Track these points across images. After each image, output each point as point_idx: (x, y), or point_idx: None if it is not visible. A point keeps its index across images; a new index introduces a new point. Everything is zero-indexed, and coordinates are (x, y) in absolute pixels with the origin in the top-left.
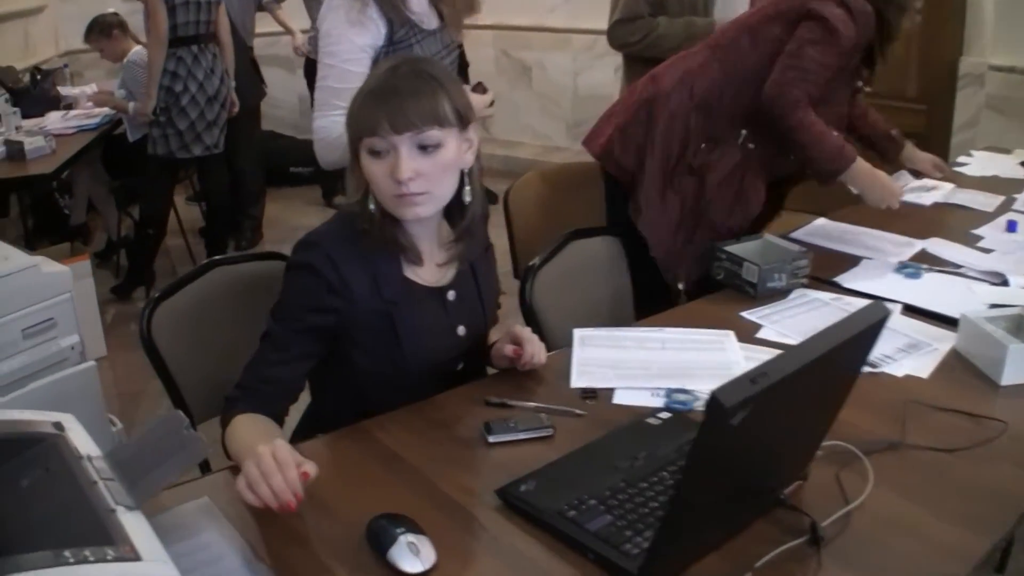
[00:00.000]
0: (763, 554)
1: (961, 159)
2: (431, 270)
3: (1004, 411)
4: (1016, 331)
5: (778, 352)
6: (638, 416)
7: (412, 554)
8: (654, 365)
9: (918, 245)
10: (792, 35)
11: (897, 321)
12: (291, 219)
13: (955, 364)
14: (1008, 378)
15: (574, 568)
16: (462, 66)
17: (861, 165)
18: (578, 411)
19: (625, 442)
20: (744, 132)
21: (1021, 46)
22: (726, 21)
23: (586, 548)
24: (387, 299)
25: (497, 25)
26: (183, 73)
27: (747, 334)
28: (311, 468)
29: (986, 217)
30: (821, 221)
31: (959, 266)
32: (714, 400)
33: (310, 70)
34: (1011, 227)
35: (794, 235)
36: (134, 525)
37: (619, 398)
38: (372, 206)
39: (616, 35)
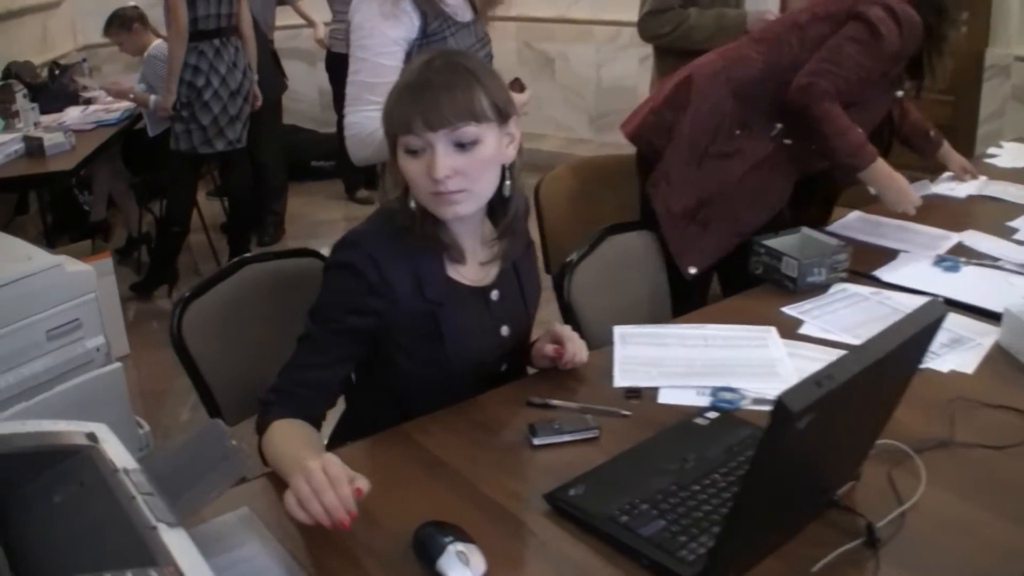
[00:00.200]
0: (819, 557)
1: (992, 150)
2: (474, 269)
3: None
4: None
5: (822, 348)
6: (684, 416)
7: (462, 564)
8: (697, 363)
9: (954, 238)
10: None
11: None
12: (313, 214)
13: (999, 359)
14: None
15: (627, 575)
16: None
17: (881, 166)
18: (623, 411)
19: (673, 443)
20: (780, 126)
21: None
22: (758, 12)
23: (640, 555)
24: (430, 300)
25: (520, 17)
26: (205, 67)
27: (789, 330)
28: (363, 483)
29: (1020, 209)
30: (856, 214)
31: (996, 259)
32: (781, 405)
33: (332, 63)
34: None
35: (830, 228)
36: (177, 543)
37: (664, 397)
38: (412, 204)
39: (647, 27)
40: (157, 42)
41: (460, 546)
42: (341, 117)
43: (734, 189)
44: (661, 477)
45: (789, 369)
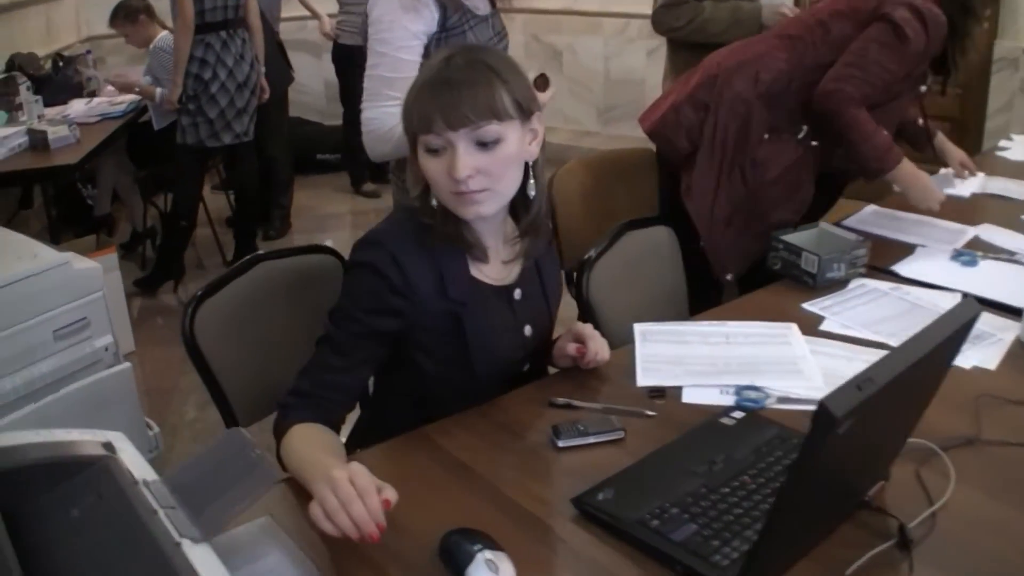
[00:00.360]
0: (852, 559)
1: (1003, 143)
2: (496, 268)
3: None
4: None
5: (844, 345)
6: (710, 416)
7: (491, 572)
8: (720, 360)
9: (971, 232)
10: (861, 34)
11: None
12: (320, 207)
13: (1020, 354)
14: None
15: None
16: None
17: (907, 166)
18: (648, 411)
19: (700, 444)
20: (805, 128)
21: None
22: (773, 6)
23: (673, 560)
24: (454, 299)
25: (528, 9)
26: (212, 60)
27: (810, 326)
28: (391, 494)
29: None
30: (871, 208)
31: (1013, 253)
32: (823, 410)
33: (338, 55)
34: None
35: (846, 223)
36: (203, 560)
37: (688, 396)
38: (434, 202)
39: (661, 20)
40: (163, 34)
41: (489, 554)
42: (347, 110)
43: (765, 193)
44: (690, 479)
45: (812, 367)
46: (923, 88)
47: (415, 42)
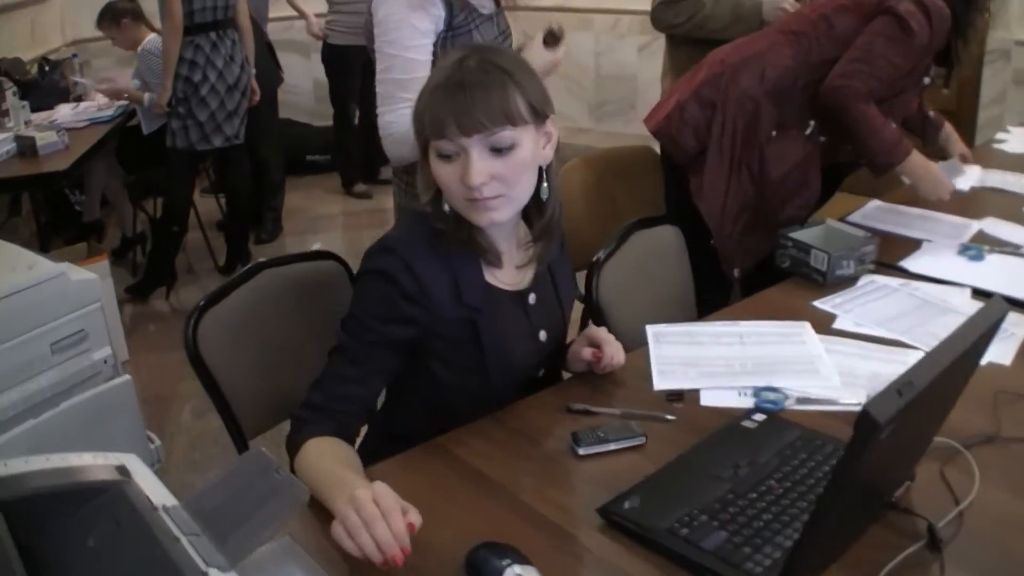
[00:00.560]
0: (883, 561)
1: (1000, 135)
2: (510, 273)
3: None
4: None
5: (857, 343)
6: (731, 419)
7: None
8: (735, 361)
9: (975, 226)
10: (866, 28)
11: (969, 306)
12: (311, 209)
13: None
14: None
15: None
16: None
17: (916, 158)
18: (667, 416)
19: (723, 449)
20: (812, 123)
21: None
22: (774, 1)
23: (704, 569)
24: (469, 306)
25: (518, 5)
26: (201, 61)
27: (823, 324)
28: (415, 517)
29: None
30: (874, 203)
31: (1019, 246)
32: (867, 416)
33: (328, 55)
34: None
35: (851, 218)
36: None
37: (706, 399)
38: (447, 207)
39: (660, 17)
40: (151, 36)
41: (518, 568)
42: (337, 110)
43: (774, 190)
44: (716, 485)
45: (829, 366)
46: (927, 80)
47: (424, 41)
